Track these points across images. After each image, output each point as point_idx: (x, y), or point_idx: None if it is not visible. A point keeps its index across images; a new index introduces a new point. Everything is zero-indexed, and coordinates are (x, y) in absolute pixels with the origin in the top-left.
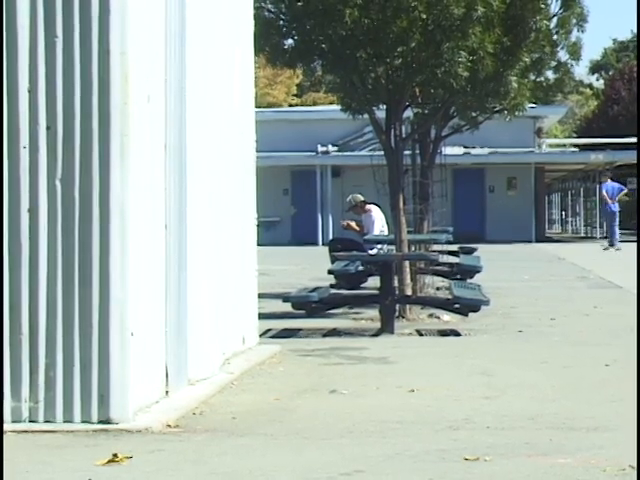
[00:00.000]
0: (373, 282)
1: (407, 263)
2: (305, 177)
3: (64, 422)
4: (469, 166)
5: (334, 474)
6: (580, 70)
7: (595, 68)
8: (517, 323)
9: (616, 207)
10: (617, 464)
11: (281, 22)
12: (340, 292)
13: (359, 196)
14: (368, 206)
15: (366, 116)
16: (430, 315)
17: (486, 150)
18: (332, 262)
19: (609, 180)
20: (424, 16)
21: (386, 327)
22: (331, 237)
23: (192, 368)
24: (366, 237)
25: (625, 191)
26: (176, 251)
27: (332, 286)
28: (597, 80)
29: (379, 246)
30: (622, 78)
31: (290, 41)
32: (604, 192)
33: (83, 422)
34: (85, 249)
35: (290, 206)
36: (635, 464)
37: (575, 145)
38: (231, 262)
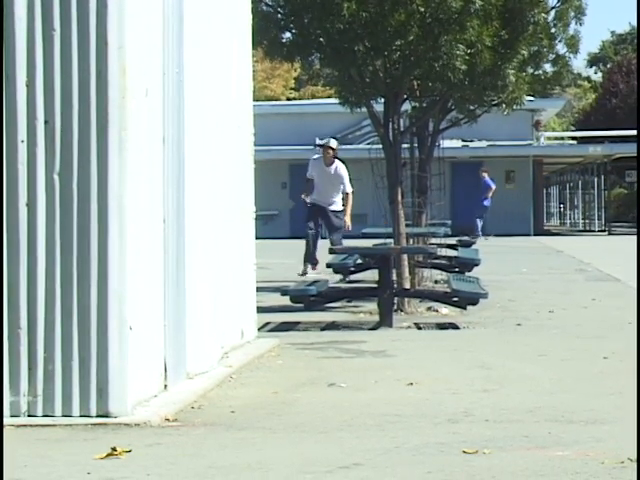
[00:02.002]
0: (372, 275)
1: (405, 256)
2: (303, 171)
3: (63, 416)
4: (467, 159)
5: (333, 467)
6: (578, 63)
7: (593, 61)
8: (515, 316)
9: (489, 202)
10: (615, 457)
11: (279, 15)
12: (338, 285)
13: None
14: (337, 161)
15: (364, 109)
16: (429, 308)
17: (484, 143)
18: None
19: (486, 175)
20: (422, 9)
21: (384, 320)
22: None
23: (191, 362)
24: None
25: (495, 188)
26: (174, 245)
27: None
28: (595, 73)
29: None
30: (620, 71)
31: (288, 34)
32: (493, 187)
33: (82, 416)
34: (83, 243)
35: (288, 200)
36: (634, 457)
37: (573, 138)
38: (229, 256)
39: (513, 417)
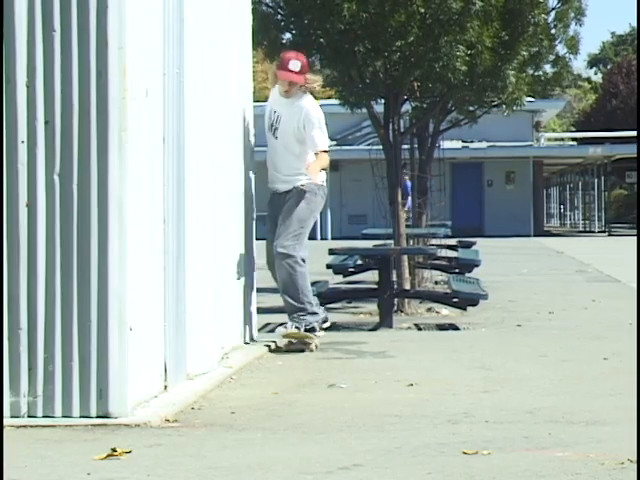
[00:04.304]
0: (372, 276)
1: (406, 257)
2: None
3: (63, 417)
4: (467, 160)
5: (333, 468)
6: (578, 64)
7: (593, 62)
8: (516, 317)
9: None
10: (616, 457)
11: (279, 16)
12: (339, 286)
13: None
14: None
15: (364, 110)
16: (429, 309)
17: (484, 144)
18: None
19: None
20: (422, 10)
21: (385, 321)
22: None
23: (191, 363)
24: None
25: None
26: (175, 245)
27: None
28: (595, 74)
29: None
30: (620, 72)
31: (288, 35)
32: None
33: (82, 417)
34: (83, 244)
35: None
36: (634, 458)
37: (573, 139)
38: (230, 256)
39: (513, 418)
